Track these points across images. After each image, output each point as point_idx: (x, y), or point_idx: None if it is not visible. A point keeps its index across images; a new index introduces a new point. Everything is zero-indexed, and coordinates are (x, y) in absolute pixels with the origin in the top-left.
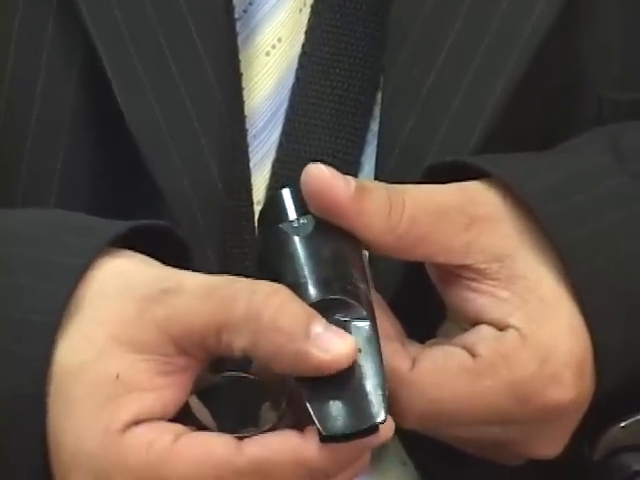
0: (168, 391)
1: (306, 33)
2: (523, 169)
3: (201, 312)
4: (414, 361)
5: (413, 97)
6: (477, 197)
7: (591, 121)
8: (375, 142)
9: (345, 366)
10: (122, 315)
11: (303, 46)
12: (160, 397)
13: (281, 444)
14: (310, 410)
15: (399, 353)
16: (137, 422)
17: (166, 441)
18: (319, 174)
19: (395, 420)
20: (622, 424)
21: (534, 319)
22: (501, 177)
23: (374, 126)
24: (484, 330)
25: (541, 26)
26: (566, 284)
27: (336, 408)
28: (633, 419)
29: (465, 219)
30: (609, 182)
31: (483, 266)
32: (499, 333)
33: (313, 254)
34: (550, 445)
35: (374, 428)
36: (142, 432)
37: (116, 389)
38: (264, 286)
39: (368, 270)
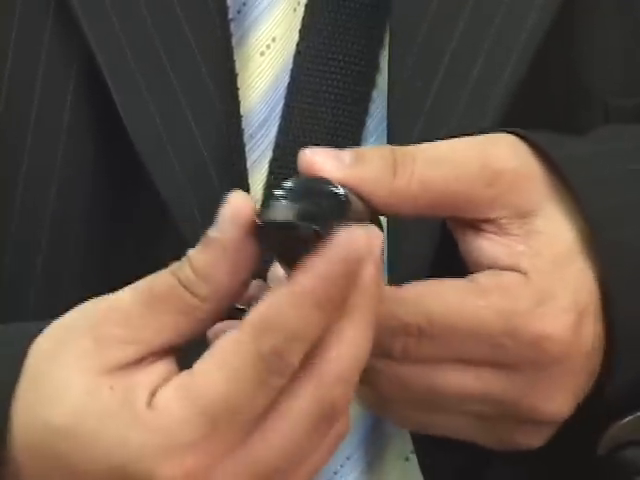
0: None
1: (300, 32)
2: (552, 139)
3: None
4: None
5: (419, 105)
6: (500, 150)
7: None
8: (371, 139)
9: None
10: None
11: (297, 45)
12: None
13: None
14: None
15: None
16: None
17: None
18: (308, 155)
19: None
20: (625, 420)
21: (543, 270)
22: (535, 141)
23: (370, 123)
24: (490, 269)
25: (537, 29)
26: (589, 251)
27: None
28: (636, 415)
29: (488, 172)
30: (637, 164)
31: (505, 221)
32: (503, 271)
33: None
34: (555, 398)
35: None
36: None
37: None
38: None
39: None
